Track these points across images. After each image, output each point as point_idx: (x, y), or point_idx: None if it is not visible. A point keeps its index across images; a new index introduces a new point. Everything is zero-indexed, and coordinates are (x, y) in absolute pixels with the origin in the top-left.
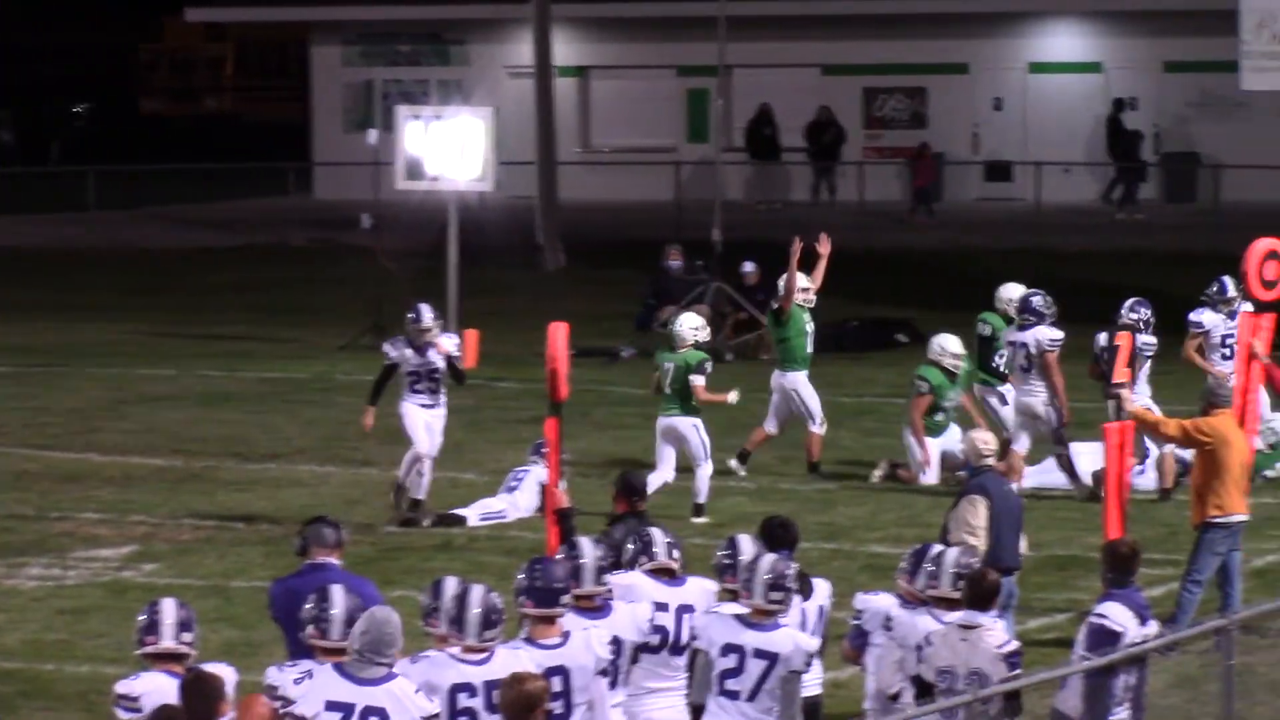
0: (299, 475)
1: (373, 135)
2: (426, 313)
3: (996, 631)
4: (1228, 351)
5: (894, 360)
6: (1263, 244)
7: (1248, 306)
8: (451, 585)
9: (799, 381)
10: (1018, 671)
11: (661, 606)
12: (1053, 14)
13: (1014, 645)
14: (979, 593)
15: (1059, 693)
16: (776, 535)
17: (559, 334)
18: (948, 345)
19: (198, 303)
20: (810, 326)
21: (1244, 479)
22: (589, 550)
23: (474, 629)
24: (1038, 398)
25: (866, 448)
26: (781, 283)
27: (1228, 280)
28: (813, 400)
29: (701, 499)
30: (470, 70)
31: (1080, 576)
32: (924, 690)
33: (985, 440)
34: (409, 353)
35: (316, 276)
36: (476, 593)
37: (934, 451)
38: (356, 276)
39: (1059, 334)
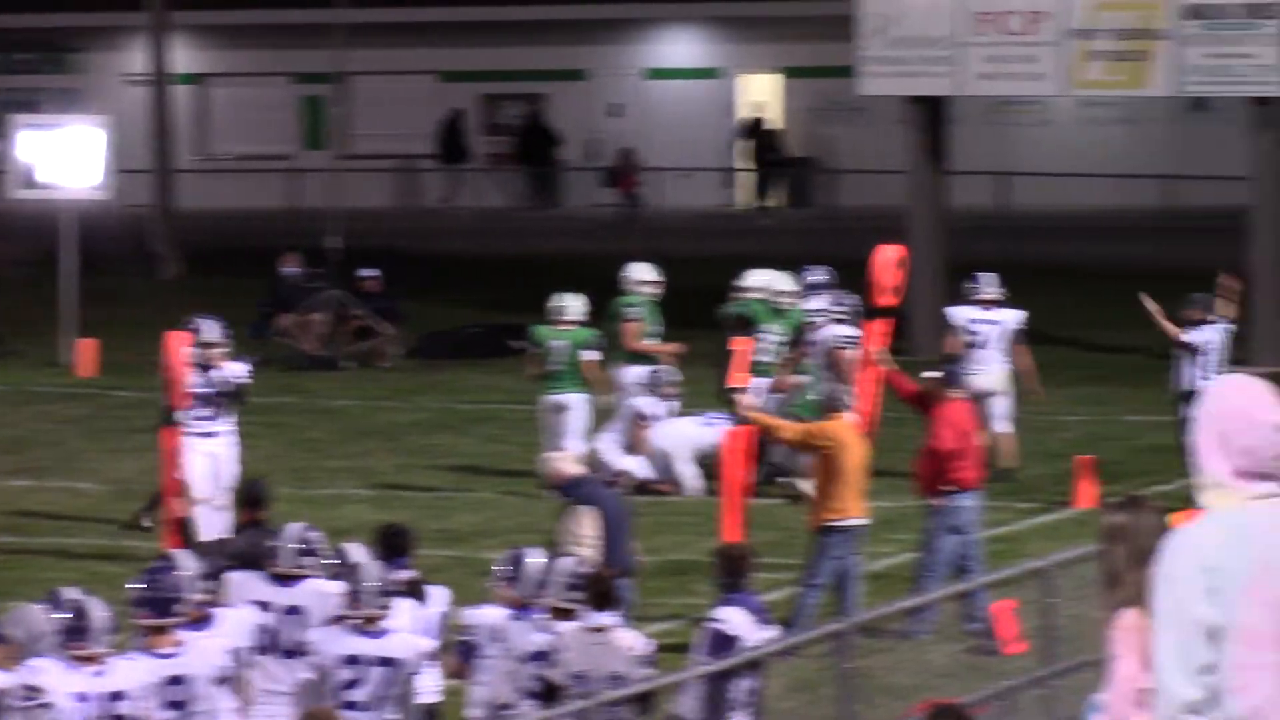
0: None
1: None
2: (211, 329)
3: (627, 633)
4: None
5: (514, 366)
6: (890, 251)
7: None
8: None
9: None
10: (648, 673)
11: (266, 605)
12: (671, 20)
13: (648, 646)
14: (598, 592)
15: (677, 698)
16: (392, 542)
17: (177, 343)
18: (774, 284)
19: None
20: None
21: (861, 483)
22: (189, 562)
23: (99, 635)
24: None
25: (487, 454)
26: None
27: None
28: None
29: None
30: (87, 78)
31: (697, 581)
32: (552, 693)
33: (563, 459)
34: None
35: None
36: (96, 602)
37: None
38: None
39: (850, 332)
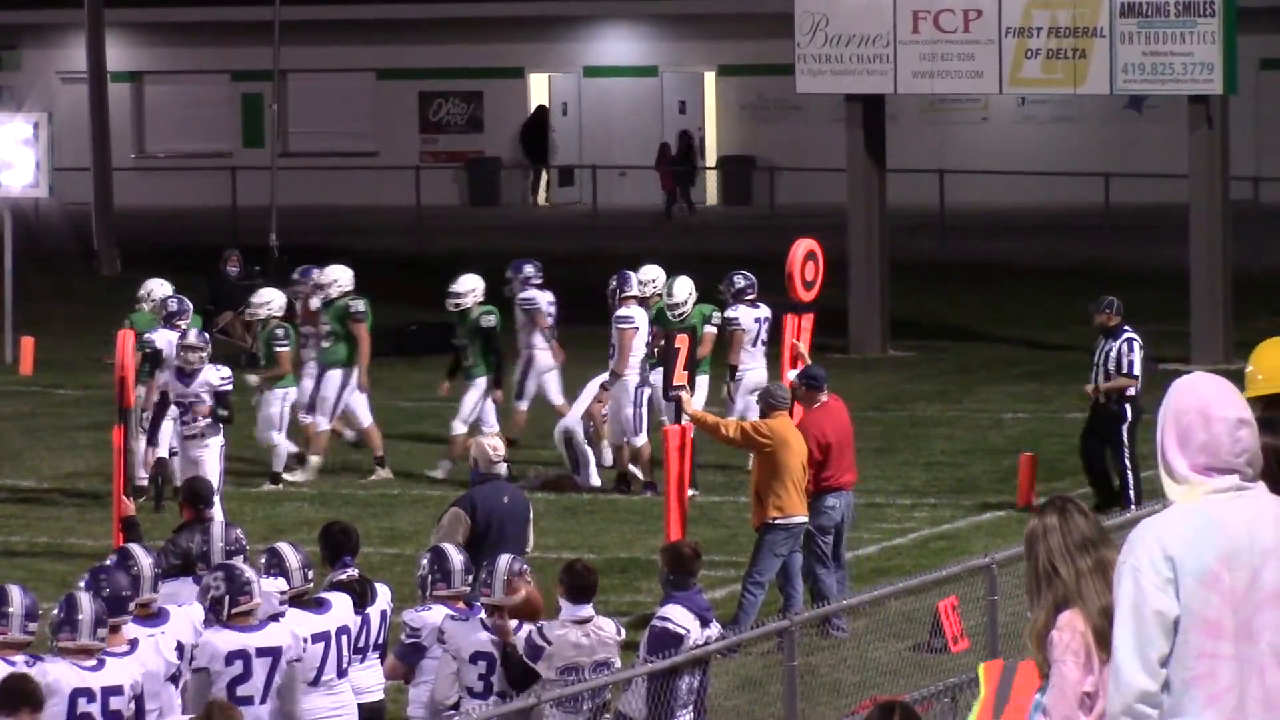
0: None
1: None
2: (194, 332)
3: (605, 620)
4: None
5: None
6: (802, 245)
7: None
8: (16, 591)
9: None
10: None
11: None
12: (607, 18)
13: (623, 633)
14: (581, 584)
15: (622, 695)
16: (338, 540)
17: (126, 341)
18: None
19: None
20: None
21: (803, 480)
22: (143, 558)
23: (88, 629)
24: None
25: (425, 453)
26: None
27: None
28: None
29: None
30: (23, 75)
31: (641, 578)
32: (523, 686)
33: (495, 446)
34: (174, 379)
35: None
36: (84, 596)
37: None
38: None
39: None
